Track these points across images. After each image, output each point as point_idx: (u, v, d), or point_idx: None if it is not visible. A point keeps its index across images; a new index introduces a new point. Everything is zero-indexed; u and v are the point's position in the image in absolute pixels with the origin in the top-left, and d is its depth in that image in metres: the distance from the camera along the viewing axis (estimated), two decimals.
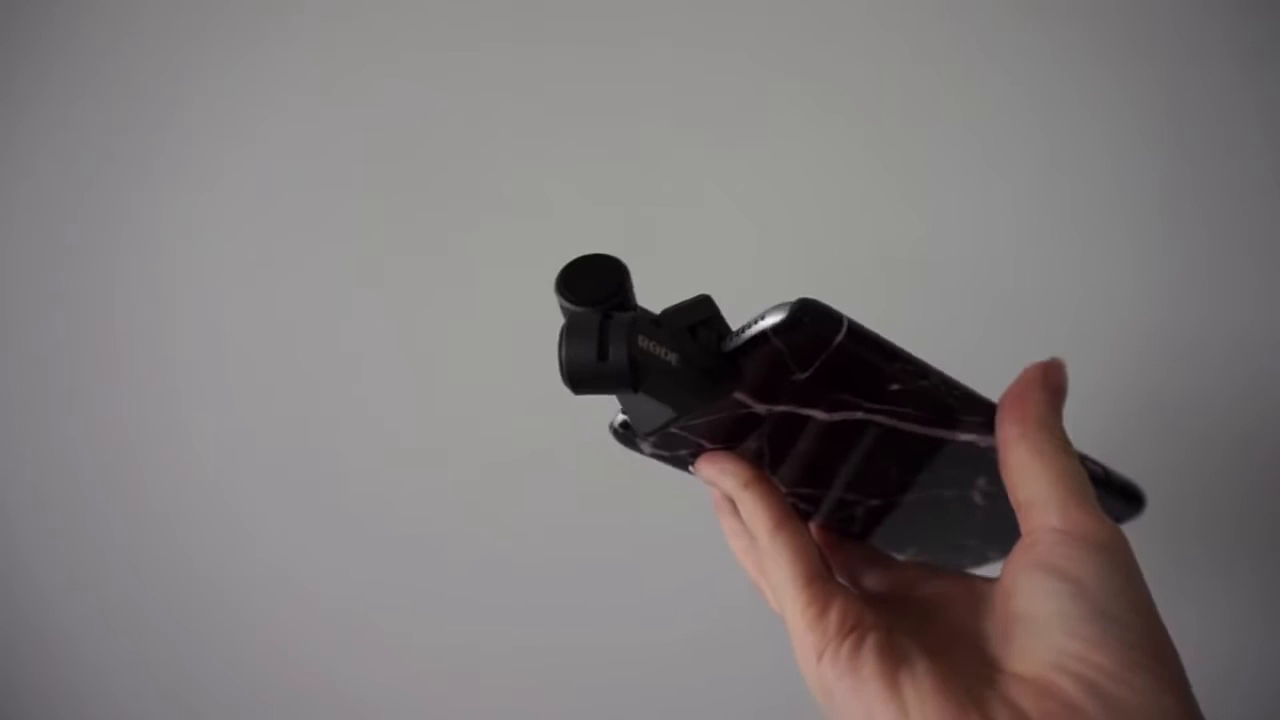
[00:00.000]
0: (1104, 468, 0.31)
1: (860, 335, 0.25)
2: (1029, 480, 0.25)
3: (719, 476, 0.29)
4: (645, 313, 0.24)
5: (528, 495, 0.48)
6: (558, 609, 0.51)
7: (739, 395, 0.26)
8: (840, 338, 0.24)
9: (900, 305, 0.49)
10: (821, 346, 0.24)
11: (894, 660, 0.24)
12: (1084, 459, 0.28)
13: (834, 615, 0.25)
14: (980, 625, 0.27)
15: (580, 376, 0.23)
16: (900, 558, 0.35)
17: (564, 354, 0.23)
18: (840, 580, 0.29)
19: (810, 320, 0.24)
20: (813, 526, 0.35)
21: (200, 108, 0.50)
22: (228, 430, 0.51)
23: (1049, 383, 0.26)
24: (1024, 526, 0.25)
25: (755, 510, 0.28)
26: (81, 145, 0.51)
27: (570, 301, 0.24)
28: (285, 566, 0.51)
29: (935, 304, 0.49)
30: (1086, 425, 0.49)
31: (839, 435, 0.28)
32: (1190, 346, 0.49)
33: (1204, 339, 0.48)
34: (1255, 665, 0.49)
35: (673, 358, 0.23)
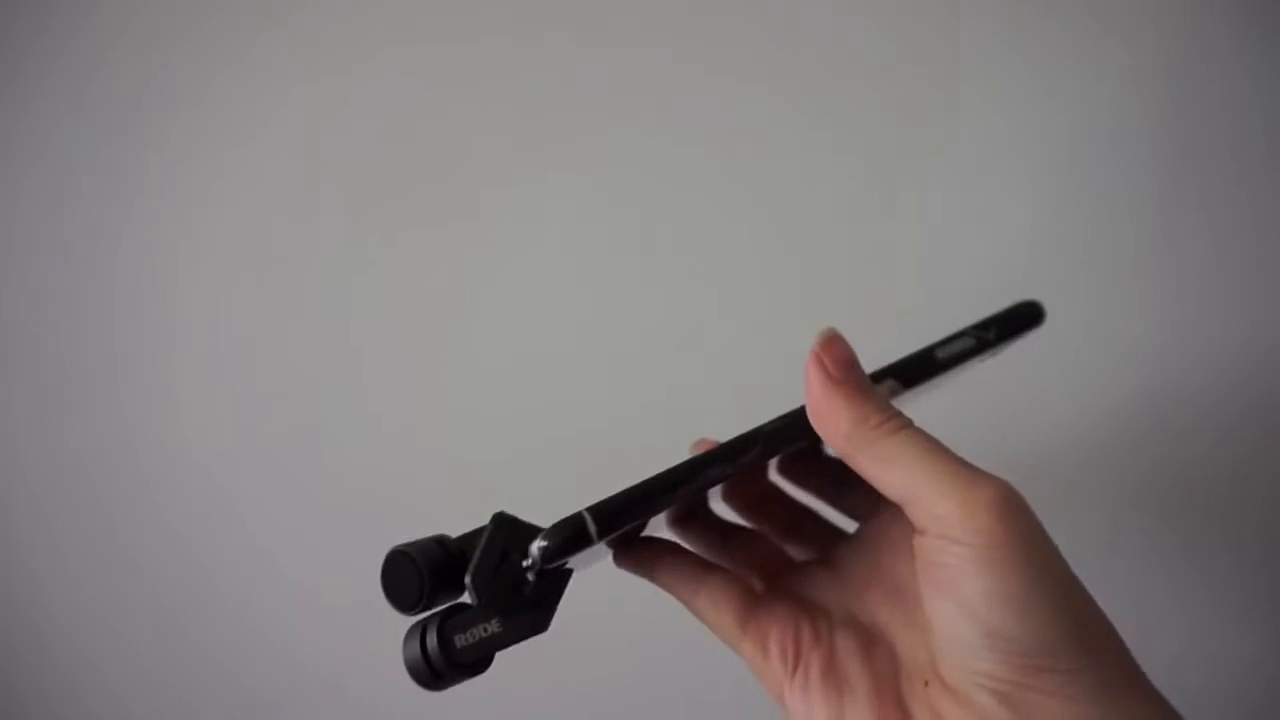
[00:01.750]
0: (899, 366, 0.30)
1: (614, 516, 0.25)
2: (886, 486, 0.23)
3: (632, 570, 0.31)
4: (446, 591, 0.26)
5: (529, 495, 0.48)
6: (560, 613, 0.51)
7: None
8: (600, 540, 0.25)
9: (901, 305, 0.49)
10: (587, 545, 0.25)
11: (836, 683, 0.26)
12: (929, 353, 0.28)
13: (774, 651, 0.27)
14: (915, 622, 0.26)
15: (428, 684, 0.25)
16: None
17: (405, 661, 0.26)
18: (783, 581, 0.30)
19: (554, 553, 0.25)
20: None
21: (198, 107, 0.50)
22: (228, 428, 0.51)
23: (836, 372, 0.24)
24: (912, 523, 0.23)
25: (670, 588, 0.30)
26: (80, 145, 0.51)
27: (396, 608, 0.26)
28: (286, 565, 0.51)
29: (936, 304, 0.49)
30: (1086, 425, 0.49)
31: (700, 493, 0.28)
32: (1190, 347, 0.49)
33: (1205, 340, 0.49)
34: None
35: (493, 626, 0.26)
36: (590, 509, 0.25)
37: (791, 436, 0.26)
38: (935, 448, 0.23)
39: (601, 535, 0.25)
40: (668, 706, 0.50)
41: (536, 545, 0.25)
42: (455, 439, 0.50)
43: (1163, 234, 0.49)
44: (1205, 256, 0.48)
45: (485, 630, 0.25)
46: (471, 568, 0.26)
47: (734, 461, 0.26)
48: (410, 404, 0.50)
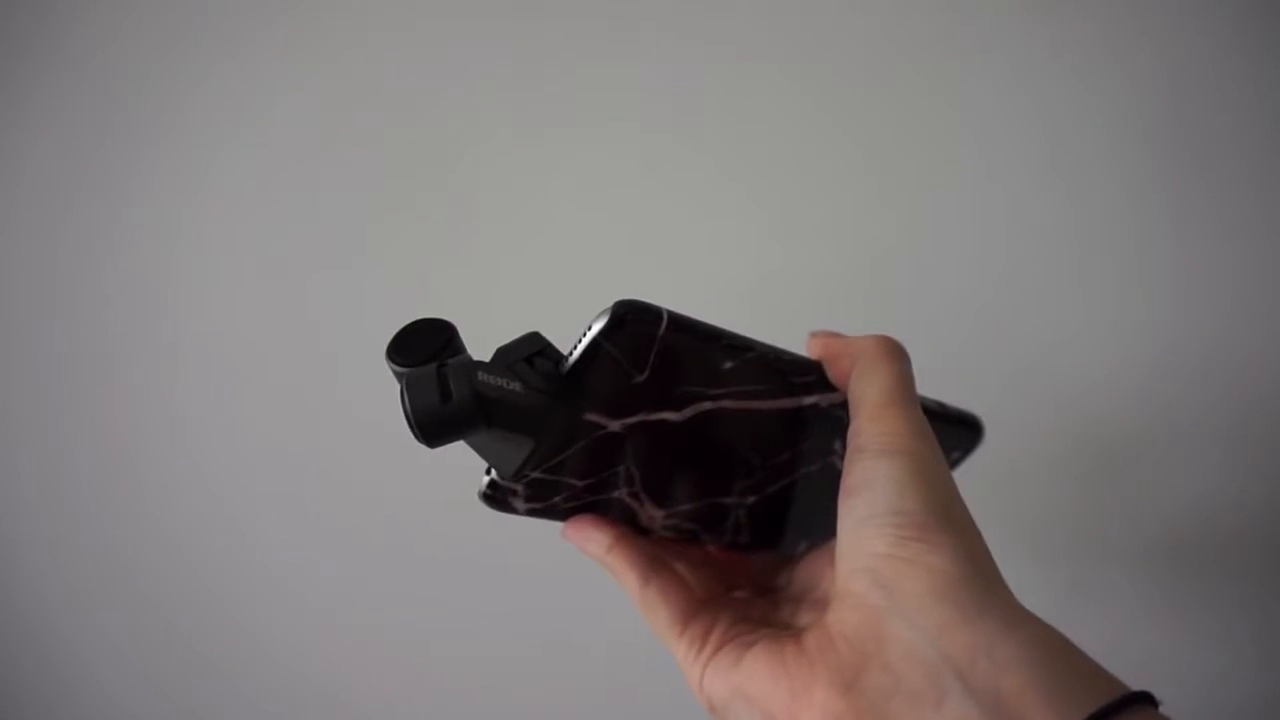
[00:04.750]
0: (939, 402, 0.33)
1: (681, 322, 0.26)
2: (857, 383, 0.28)
3: (584, 543, 0.31)
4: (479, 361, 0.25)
5: None
6: (560, 614, 0.50)
7: (591, 416, 0.27)
8: (663, 329, 0.25)
9: (900, 304, 0.49)
10: (649, 342, 0.25)
11: (742, 646, 0.27)
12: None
13: (707, 650, 0.28)
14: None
15: (429, 422, 0.23)
16: (798, 551, 0.36)
17: (408, 405, 0.23)
18: (738, 595, 0.31)
19: (633, 316, 0.25)
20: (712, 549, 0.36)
21: (194, 107, 0.50)
22: (227, 434, 0.51)
23: (831, 333, 0.30)
24: (851, 426, 0.27)
25: (620, 571, 0.30)
26: (78, 147, 0.51)
27: (403, 364, 0.24)
28: (285, 573, 0.51)
29: (936, 302, 0.49)
30: (1084, 425, 0.49)
31: (696, 434, 0.29)
32: (1191, 347, 0.49)
33: (1205, 340, 0.49)
34: None
35: (516, 385, 0.24)
36: (668, 309, 0.25)
37: (797, 368, 0.29)
38: (886, 381, 0.28)
39: (670, 329, 0.25)
40: (663, 709, 0.50)
41: (597, 320, 0.25)
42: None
43: (1162, 235, 0.49)
44: (1205, 257, 0.49)
45: (506, 383, 0.24)
46: (502, 347, 0.25)
47: (751, 347, 0.28)
48: None
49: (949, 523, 0.24)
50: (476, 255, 0.50)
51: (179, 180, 0.50)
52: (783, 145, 0.49)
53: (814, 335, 0.30)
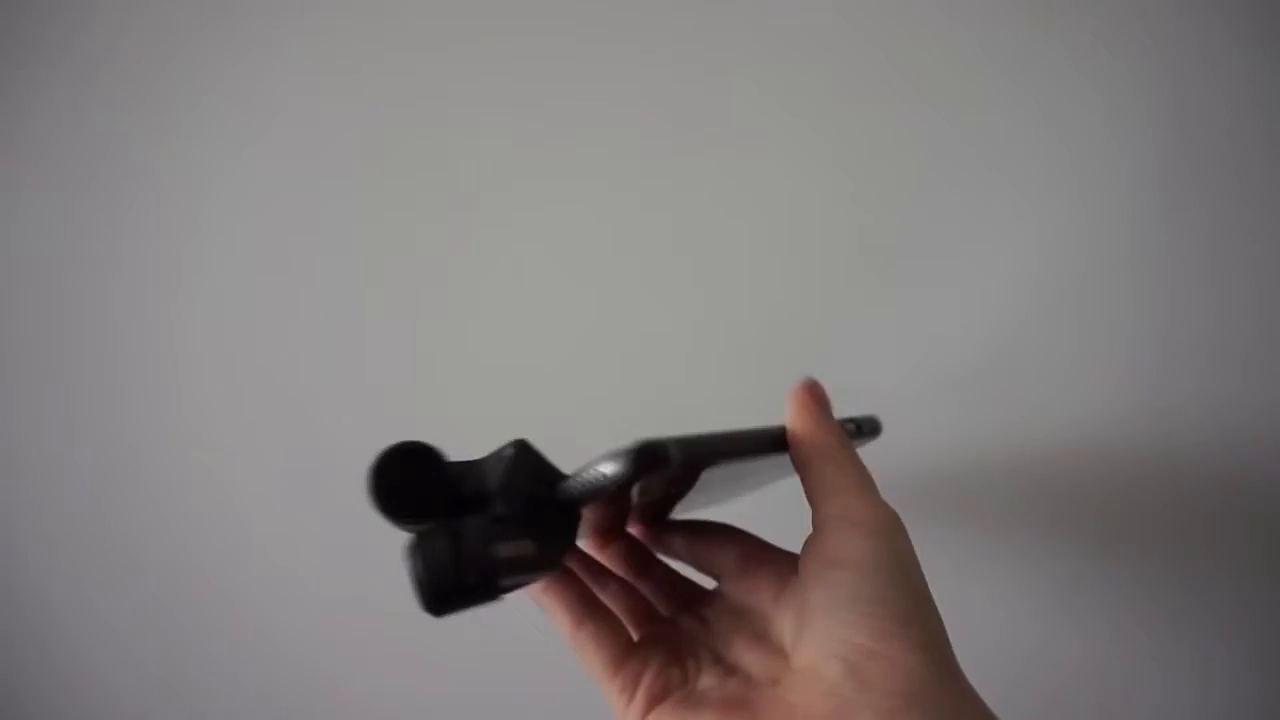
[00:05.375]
0: (855, 421, 0.34)
1: (691, 457, 0.24)
2: (815, 476, 0.28)
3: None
4: (477, 489, 0.23)
5: None
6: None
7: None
8: (673, 468, 0.23)
9: (900, 303, 0.49)
10: (661, 478, 0.24)
11: (688, 709, 0.27)
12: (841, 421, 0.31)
13: (639, 698, 0.28)
14: (781, 622, 0.29)
15: (445, 599, 0.21)
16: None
17: (421, 577, 0.21)
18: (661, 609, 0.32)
19: (646, 465, 0.22)
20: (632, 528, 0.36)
21: (198, 109, 0.51)
22: (229, 428, 0.51)
23: (816, 397, 0.30)
24: (814, 519, 0.27)
25: (555, 613, 0.31)
26: (78, 148, 0.51)
27: (398, 518, 0.22)
28: (287, 565, 0.51)
29: (936, 302, 0.49)
30: (1083, 424, 0.49)
31: (670, 495, 0.29)
32: (1187, 347, 0.49)
33: (1204, 340, 0.49)
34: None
35: (528, 546, 0.23)
36: (673, 439, 0.23)
37: (772, 439, 0.29)
38: (860, 466, 0.29)
39: (682, 463, 0.23)
40: None
41: (609, 464, 0.22)
42: (456, 439, 0.50)
43: (1163, 233, 0.49)
44: (1203, 258, 0.48)
45: (522, 548, 0.22)
46: (502, 481, 0.23)
47: (743, 441, 0.27)
48: (410, 403, 0.51)
49: (925, 618, 0.25)
50: (476, 254, 0.50)
51: (185, 179, 0.50)
52: (783, 151, 0.49)
53: (796, 395, 0.30)
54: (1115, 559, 0.49)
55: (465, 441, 0.50)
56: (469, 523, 0.22)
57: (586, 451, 0.48)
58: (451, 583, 0.21)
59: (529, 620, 0.51)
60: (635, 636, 0.32)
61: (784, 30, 0.49)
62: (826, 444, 0.28)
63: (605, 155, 0.50)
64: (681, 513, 0.36)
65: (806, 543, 0.27)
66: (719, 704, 0.26)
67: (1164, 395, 0.48)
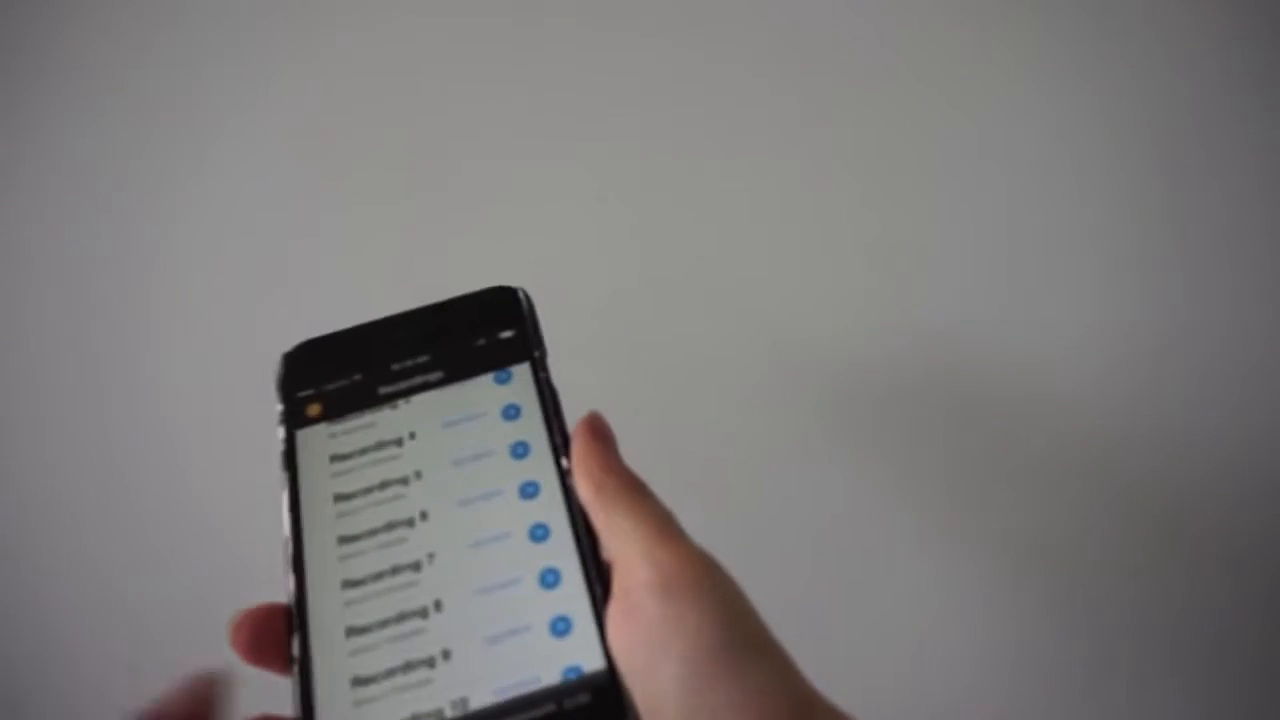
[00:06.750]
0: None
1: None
2: (612, 535, 0.25)
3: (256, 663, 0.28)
4: None
5: None
6: None
7: None
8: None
9: (901, 302, 0.49)
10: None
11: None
12: None
13: None
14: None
15: None
16: None
17: None
18: None
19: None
20: None
21: (195, 109, 0.51)
22: (226, 426, 0.51)
23: (598, 434, 0.27)
24: (618, 584, 0.24)
25: None
26: (79, 150, 0.51)
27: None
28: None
29: (936, 301, 0.49)
30: (1082, 423, 0.49)
31: None
32: (1187, 347, 0.49)
33: (1202, 340, 0.49)
34: None
35: None
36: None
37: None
38: (659, 510, 0.26)
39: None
40: None
41: None
42: None
43: (1164, 231, 0.49)
44: (1205, 258, 0.48)
45: None
46: None
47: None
48: None
49: (773, 674, 0.22)
50: (476, 254, 0.50)
51: (182, 179, 0.51)
52: (786, 141, 0.49)
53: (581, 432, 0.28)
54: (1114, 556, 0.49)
55: None
56: None
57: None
58: None
59: None
60: None
61: (782, 29, 0.49)
62: (617, 488, 0.26)
63: (605, 155, 0.50)
64: None
65: (620, 616, 0.24)
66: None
67: (1164, 395, 0.48)
